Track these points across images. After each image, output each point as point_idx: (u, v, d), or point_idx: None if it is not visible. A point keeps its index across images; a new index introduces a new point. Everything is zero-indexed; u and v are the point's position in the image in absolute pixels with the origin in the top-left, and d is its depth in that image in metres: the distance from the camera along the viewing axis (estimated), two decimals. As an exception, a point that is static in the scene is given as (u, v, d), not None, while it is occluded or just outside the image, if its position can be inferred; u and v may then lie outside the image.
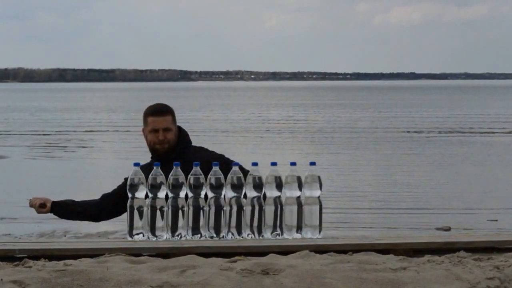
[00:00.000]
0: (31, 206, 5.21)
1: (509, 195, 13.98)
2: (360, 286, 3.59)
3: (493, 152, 21.90)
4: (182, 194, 4.57)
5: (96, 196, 5.26)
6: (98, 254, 4.15)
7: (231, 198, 4.58)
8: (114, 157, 21.61)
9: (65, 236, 10.35)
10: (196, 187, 4.56)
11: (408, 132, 30.11)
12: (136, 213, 4.57)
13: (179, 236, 4.56)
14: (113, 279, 3.62)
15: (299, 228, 4.59)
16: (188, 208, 4.56)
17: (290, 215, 4.59)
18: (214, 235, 4.56)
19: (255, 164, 4.61)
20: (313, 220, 4.60)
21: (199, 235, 4.56)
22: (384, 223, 11.49)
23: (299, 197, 4.60)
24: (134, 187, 4.57)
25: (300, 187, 4.59)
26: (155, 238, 4.55)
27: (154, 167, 4.58)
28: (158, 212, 4.56)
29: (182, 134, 5.16)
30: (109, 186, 5.36)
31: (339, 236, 5.35)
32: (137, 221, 4.56)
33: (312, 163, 4.62)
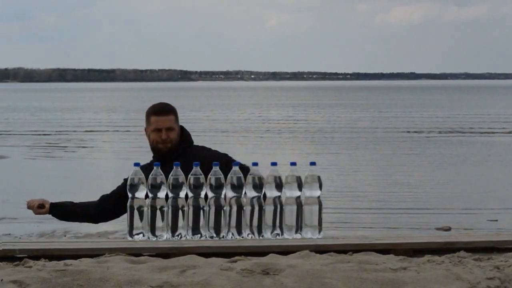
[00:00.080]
0: (28, 207, 5.19)
1: (509, 195, 13.98)
2: (360, 286, 3.59)
3: (493, 152, 21.91)
4: (182, 194, 4.56)
5: (96, 197, 5.26)
6: (98, 254, 4.14)
7: (231, 198, 4.58)
8: (114, 157, 21.62)
9: (65, 236, 10.35)
10: (196, 187, 4.56)
11: (408, 132, 30.12)
12: (136, 213, 4.56)
13: (179, 236, 4.55)
14: (113, 279, 3.62)
15: (299, 228, 4.59)
16: (188, 208, 4.56)
17: (290, 215, 4.58)
18: (214, 235, 4.56)
19: (255, 164, 4.60)
20: (313, 220, 4.60)
21: (199, 235, 4.56)
22: (384, 223, 11.50)
23: (299, 197, 4.60)
24: (134, 187, 4.56)
25: (300, 187, 4.58)
26: (155, 238, 4.55)
27: (154, 167, 4.58)
28: (158, 212, 4.56)
29: (184, 134, 5.16)
30: (109, 186, 5.36)
31: (339, 236, 5.34)
32: (137, 221, 4.56)
33: (312, 163, 4.61)
